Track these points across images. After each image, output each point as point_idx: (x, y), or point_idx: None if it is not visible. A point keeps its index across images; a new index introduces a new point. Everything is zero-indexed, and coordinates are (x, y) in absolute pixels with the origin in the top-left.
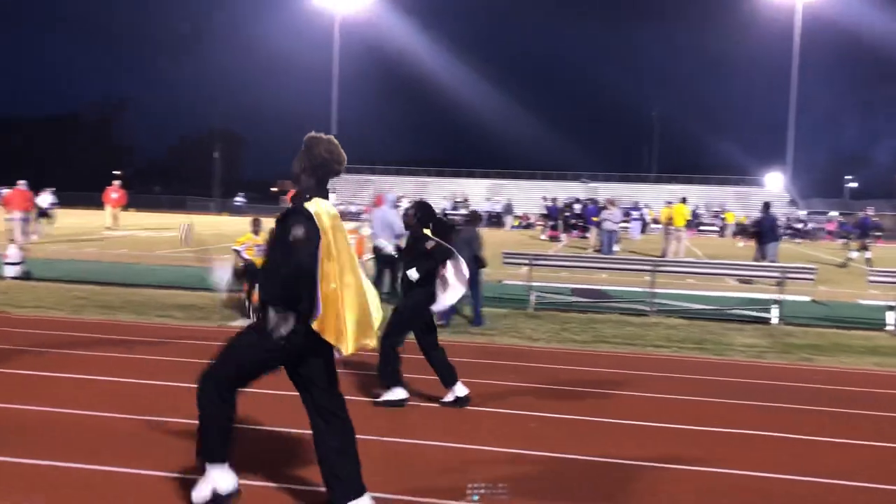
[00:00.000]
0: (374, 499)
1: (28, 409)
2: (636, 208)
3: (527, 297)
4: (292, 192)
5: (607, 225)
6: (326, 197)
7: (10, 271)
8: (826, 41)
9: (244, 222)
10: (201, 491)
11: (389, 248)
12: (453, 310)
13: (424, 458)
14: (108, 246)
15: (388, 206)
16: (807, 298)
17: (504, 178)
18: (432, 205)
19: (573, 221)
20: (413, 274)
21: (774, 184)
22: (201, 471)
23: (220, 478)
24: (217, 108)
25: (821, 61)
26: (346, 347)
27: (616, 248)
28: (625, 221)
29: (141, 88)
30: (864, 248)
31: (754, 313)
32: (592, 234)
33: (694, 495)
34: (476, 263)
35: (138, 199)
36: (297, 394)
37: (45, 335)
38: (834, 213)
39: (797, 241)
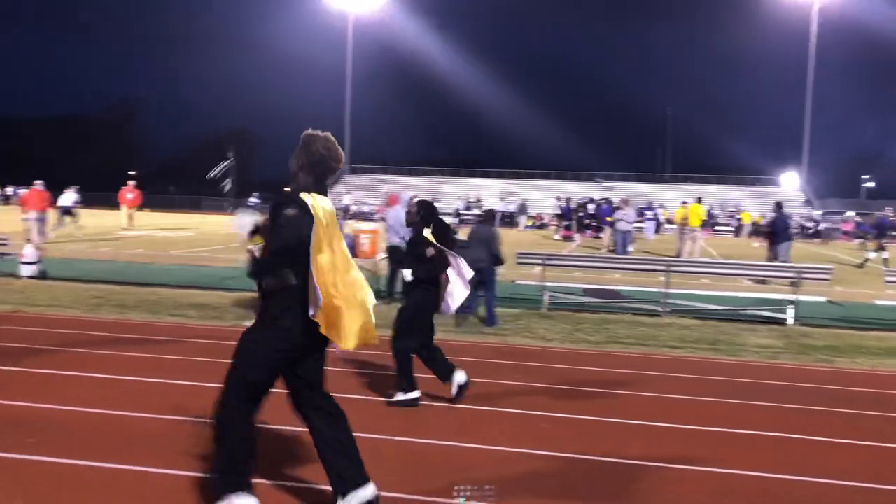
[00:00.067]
0: (390, 499)
1: (44, 407)
2: (650, 208)
3: (540, 297)
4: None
5: (621, 225)
6: (325, 194)
7: (27, 271)
8: (843, 39)
9: None
10: None
11: (404, 247)
12: (472, 304)
13: (439, 458)
14: (124, 246)
15: (403, 206)
16: (823, 299)
17: (518, 178)
18: (446, 205)
19: (587, 221)
20: (407, 275)
21: (790, 183)
22: (218, 496)
23: None
24: (231, 108)
25: (837, 60)
26: (345, 342)
27: (630, 248)
28: (639, 221)
29: (156, 89)
30: (881, 248)
31: (769, 314)
32: (606, 235)
33: (703, 496)
34: (493, 262)
35: (153, 199)
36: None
37: (60, 334)
38: (850, 213)
39: (816, 240)
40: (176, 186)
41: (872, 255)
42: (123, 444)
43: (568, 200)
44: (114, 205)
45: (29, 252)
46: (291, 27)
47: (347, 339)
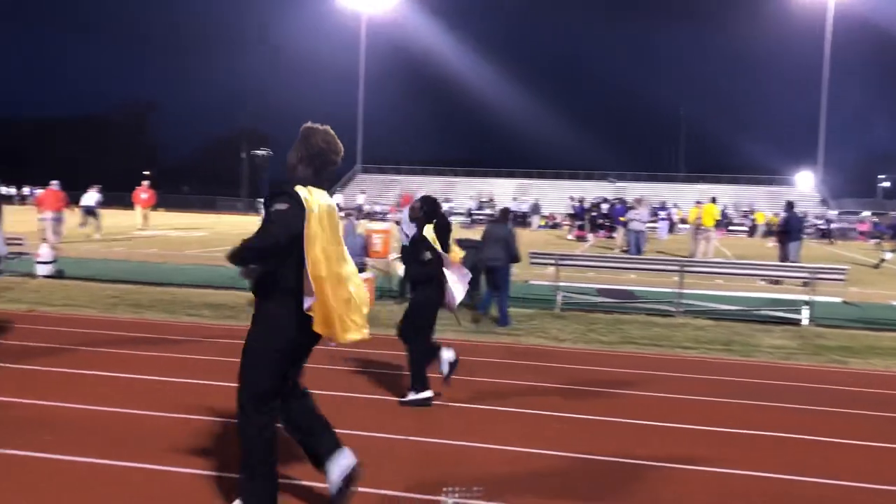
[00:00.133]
0: (402, 499)
1: (60, 405)
2: (663, 208)
3: (553, 297)
4: None
5: (635, 225)
6: (323, 188)
7: (43, 270)
8: (858, 38)
9: None
10: None
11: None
12: (487, 302)
13: (450, 458)
14: (139, 245)
15: None
16: (839, 300)
17: (531, 177)
18: (459, 204)
19: (600, 221)
20: (399, 271)
21: (805, 183)
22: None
23: None
24: (245, 108)
25: (852, 59)
26: (339, 336)
27: (644, 248)
28: (652, 221)
29: (170, 89)
30: None
31: (784, 314)
32: (619, 235)
33: (716, 497)
34: (509, 260)
35: (167, 199)
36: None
37: (77, 333)
38: (866, 213)
39: (831, 240)
40: (190, 186)
41: (888, 255)
42: (138, 442)
43: (581, 200)
44: (128, 205)
45: (45, 252)
46: (305, 27)
47: (341, 333)
